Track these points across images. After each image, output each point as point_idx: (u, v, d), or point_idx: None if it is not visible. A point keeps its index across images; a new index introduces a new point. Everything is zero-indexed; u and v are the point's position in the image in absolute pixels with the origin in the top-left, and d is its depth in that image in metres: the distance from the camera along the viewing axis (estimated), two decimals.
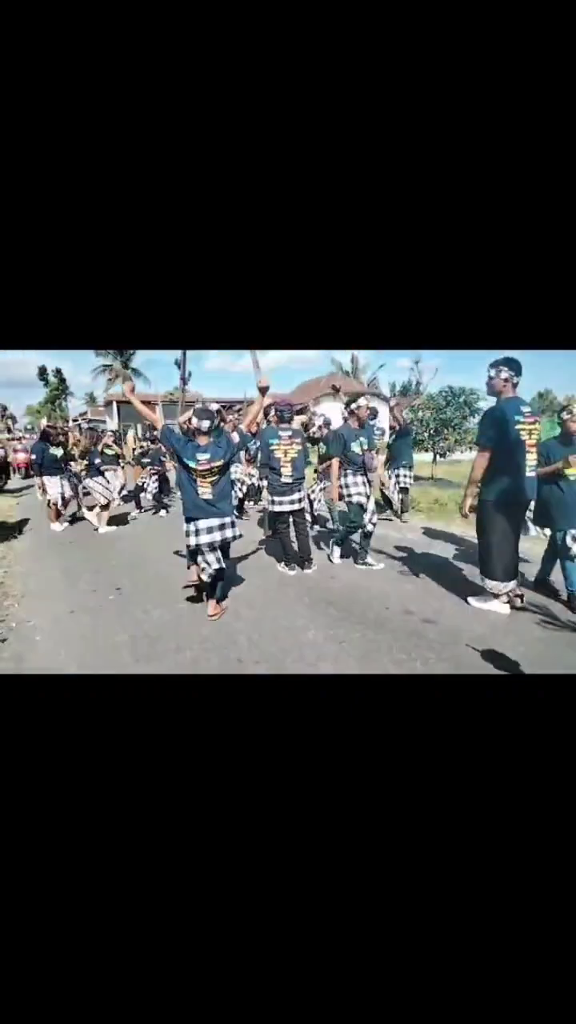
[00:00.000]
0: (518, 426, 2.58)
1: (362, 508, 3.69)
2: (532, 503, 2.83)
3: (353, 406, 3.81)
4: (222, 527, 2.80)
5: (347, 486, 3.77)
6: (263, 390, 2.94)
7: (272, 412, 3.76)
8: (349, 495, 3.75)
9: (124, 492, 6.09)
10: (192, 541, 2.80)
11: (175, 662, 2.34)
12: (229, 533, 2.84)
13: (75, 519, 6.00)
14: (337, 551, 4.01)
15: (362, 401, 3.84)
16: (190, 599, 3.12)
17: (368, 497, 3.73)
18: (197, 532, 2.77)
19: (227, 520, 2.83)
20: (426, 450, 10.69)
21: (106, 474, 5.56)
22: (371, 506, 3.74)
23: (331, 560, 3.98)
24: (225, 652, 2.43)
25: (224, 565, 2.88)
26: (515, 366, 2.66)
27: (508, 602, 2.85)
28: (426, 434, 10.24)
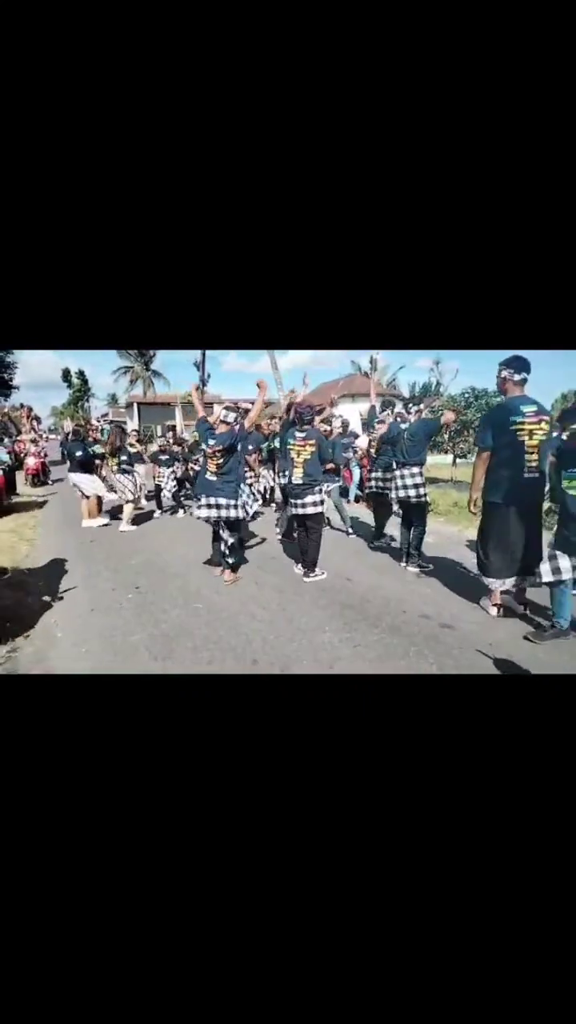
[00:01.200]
0: (514, 427, 2.55)
1: (425, 508, 3.81)
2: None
3: (414, 408, 3.97)
4: (219, 506, 3.37)
5: (406, 487, 3.71)
6: (260, 386, 3.48)
7: (293, 412, 3.81)
8: (409, 496, 3.71)
9: (146, 490, 6.22)
10: (196, 512, 3.51)
11: (192, 661, 2.37)
12: (232, 513, 3.39)
13: (114, 517, 6.13)
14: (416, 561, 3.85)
15: (423, 404, 4.07)
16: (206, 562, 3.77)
17: (427, 496, 3.78)
18: (200, 507, 3.47)
19: (227, 501, 3.37)
20: (445, 452, 10.55)
21: (133, 471, 5.70)
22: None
23: (417, 572, 3.78)
24: (241, 653, 2.44)
25: (234, 539, 3.51)
26: (516, 364, 2.62)
27: (501, 603, 2.88)
28: (445, 436, 10.11)
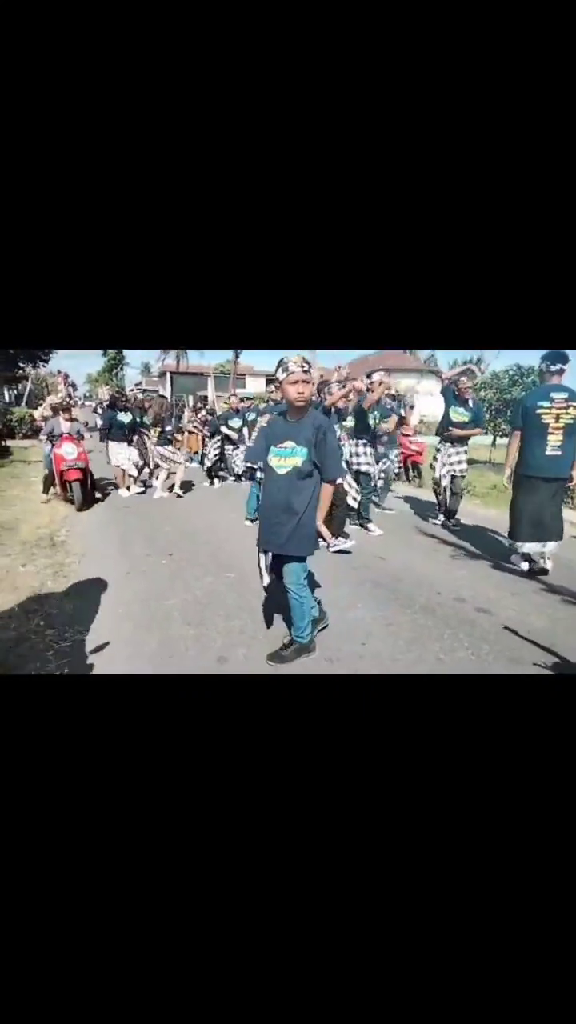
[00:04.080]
0: (539, 411, 3.04)
1: (368, 476, 4.18)
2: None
3: (375, 377, 4.12)
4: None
5: (356, 455, 4.10)
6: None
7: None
8: (358, 464, 4.10)
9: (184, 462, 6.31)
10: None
11: (224, 629, 2.40)
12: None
13: (147, 486, 6.19)
14: (370, 525, 4.27)
15: (376, 376, 4.14)
16: None
17: (372, 465, 4.22)
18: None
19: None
20: (485, 432, 10.14)
21: (173, 441, 5.79)
22: (375, 472, 4.38)
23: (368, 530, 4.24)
24: (273, 624, 2.45)
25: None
26: (552, 357, 3.10)
27: (529, 561, 3.30)
28: (487, 415, 9.67)
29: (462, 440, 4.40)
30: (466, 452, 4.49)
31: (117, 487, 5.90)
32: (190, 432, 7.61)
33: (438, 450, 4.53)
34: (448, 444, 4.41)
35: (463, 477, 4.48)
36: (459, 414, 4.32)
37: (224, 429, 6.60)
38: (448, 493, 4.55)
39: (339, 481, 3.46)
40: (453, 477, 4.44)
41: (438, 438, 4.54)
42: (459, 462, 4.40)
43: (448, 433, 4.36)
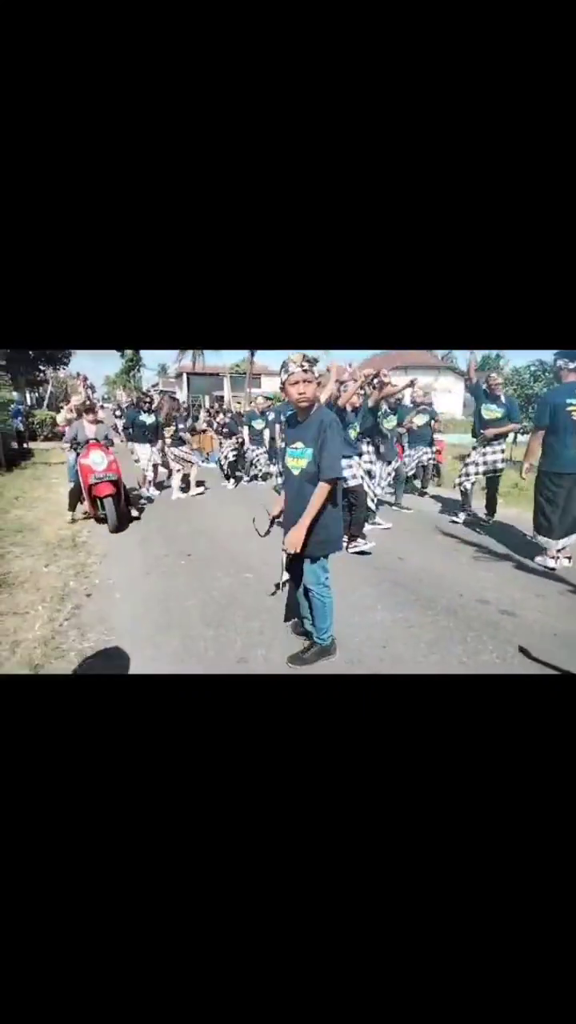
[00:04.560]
0: (569, 408, 3.08)
1: (369, 475, 4.13)
2: None
3: (377, 380, 4.13)
4: None
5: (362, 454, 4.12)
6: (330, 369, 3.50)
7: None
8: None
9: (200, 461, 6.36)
10: None
11: (244, 630, 2.40)
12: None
13: (161, 486, 6.26)
14: (377, 518, 4.37)
15: (385, 377, 4.19)
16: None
17: (374, 464, 4.28)
18: None
19: None
20: (522, 427, 9.94)
21: (188, 441, 5.82)
22: (378, 471, 4.43)
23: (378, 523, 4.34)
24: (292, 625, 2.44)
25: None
26: (568, 355, 3.22)
27: (555, 558, 3.28)
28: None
29: (498, 438, 4.28)
30: (503, 451, 4.34)
31: (139, 486, 5.97)
32: (203, 432, 7.67)
33: (474, 448, 4.45)
34: (483, 444, 4.30)
35: (497, 475, 4.39)
36: (491, 411, 4.22)
37: (244, 431, 6.64)
38: (486, 488, 4.49)
39: (354, 484, 3.46)
40: (488, 477, 4.38)
41: (466, 437, 4.48)
42: (494, 461, 4.30)
43: (482, 435, 4.25)
